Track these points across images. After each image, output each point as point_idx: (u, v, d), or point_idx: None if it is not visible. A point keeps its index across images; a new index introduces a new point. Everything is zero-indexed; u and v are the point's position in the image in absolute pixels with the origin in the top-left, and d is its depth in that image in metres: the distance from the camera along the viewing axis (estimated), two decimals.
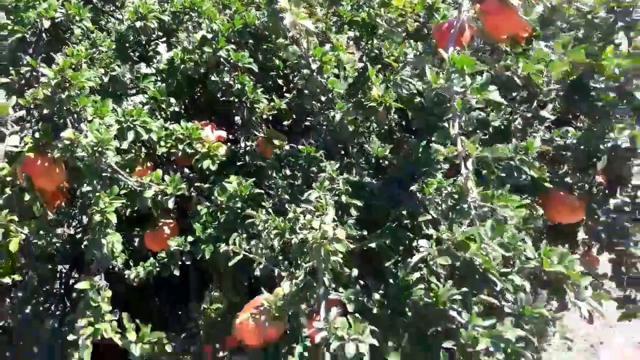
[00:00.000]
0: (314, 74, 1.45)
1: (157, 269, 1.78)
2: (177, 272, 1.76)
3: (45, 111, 1.57)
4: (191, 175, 1.92)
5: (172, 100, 2.09)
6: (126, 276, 1.86)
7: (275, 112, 2.15)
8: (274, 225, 1.30)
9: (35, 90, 1.49)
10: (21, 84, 1.66)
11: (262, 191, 1.68)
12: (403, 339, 1.27)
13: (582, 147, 1.64)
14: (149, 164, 1.88)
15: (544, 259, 1.33)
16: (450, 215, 1.13)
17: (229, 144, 2.08)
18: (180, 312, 1.94)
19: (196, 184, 1.84)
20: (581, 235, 1.81)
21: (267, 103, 1.94)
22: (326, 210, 1.33)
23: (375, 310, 1.25)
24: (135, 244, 2.26)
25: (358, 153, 1.65)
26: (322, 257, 1.12)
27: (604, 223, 1.53)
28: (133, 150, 1.83)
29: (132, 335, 1.57)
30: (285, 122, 2.25)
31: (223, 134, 2.02)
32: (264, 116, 2.02)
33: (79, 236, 2.30)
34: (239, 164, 1.96)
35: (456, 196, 1.14)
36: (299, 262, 1.33)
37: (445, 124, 1.19)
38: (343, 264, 1.36)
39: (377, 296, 1.25)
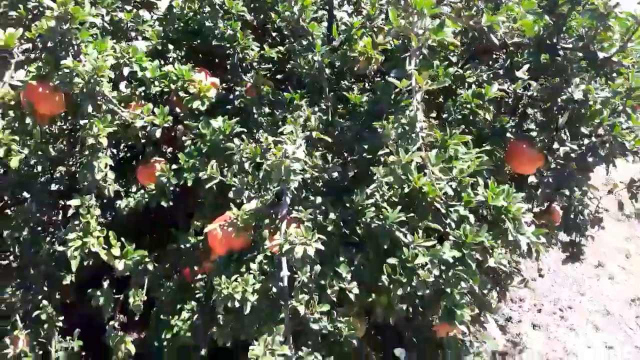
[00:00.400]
0: (295, 16, 1.57)
1: (146, 199, 1.94)
2: (164, 204, 1.92)
3: (49, 44, 1.72)
4: (182, 114, 2.06)
5: (171, 46, 2.25)
6: (117, 205, 2.02)
7: (270, 65, 2.28)
8: (246, 150, 1.44)
9: (40, 23, 1.63)
10: (29, 18, 1.80)
11: (245, 130, 1.82)
12: (355, 255, 1.41)
13: (545, 102, 1.75)
14: (143, 102, 2.02)
15: (489, 193, 1.46)
16: (400, 142, 1.25)
17: (221, 90, 2.21)
18: (167, 243, 2.10)
19: (185, 122, 1.98)
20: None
21: (257, 51, 2.07)
22: (295, 140, 1.46)
23: (330, 228, 1.39)
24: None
25: (334, 97, 1.77)
26: (283, 174, 1.26)
27: (553, 169, 1.64)
28: (129, 89, 1.98)
29: (116, 251, 1.73)
30: (280, 77, 2.38)
31: (216, 80, 2.15)
32: (254, 64, 2.16)
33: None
34: (228, 107, 2.09)
35: (407, 127, 1.27)
36: (267, 185, 1.47)
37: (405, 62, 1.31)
38: (309, 192, 1.51)
39: (332, 216, 1.39)
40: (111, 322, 1.89)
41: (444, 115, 1.62)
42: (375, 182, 1.42)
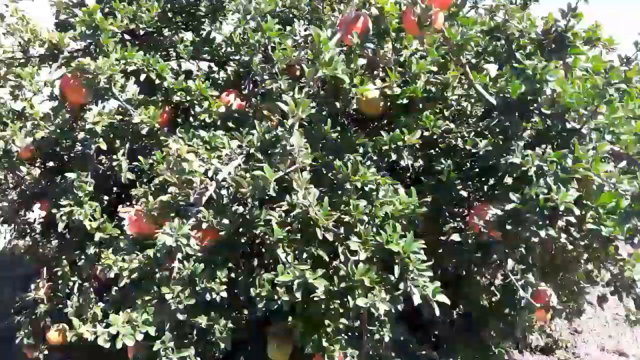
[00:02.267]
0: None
1: None
2: None
3: (90, 47, 2.12)
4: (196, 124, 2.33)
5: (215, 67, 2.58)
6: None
7: None
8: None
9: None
10: None
11: None
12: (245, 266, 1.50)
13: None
14: (167, 109, 2.34)
15: (385, 236, 1.46)
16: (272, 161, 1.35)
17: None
18: None
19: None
20: None
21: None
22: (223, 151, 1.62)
23: (222, 233, 1.50)
24: None
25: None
26: (180, 172, 1.42)
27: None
28: (155, 97, 2.31)
29: (95, 224, 2.02)
30: None
31: (243, 103, 2.41)
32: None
33: None
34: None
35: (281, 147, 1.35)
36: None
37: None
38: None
39: (226, 221, 1.51)
40: (85, 284, 2.18)
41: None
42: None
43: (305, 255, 1.46)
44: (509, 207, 1.46)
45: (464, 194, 1.72)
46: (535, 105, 1.67)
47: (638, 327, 3.50)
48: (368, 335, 1.61)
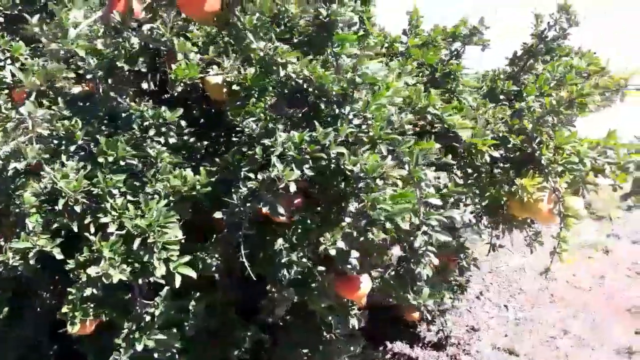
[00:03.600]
0: None
1: None
2: None
3: None
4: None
5: None
6: None
7: None
8: None
9: None
10: None
11: None
12: None
13: None
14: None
15: (134, 211, 1.52)
16: None
17: None
18: None
19: None
20: None
21: None
22: None
23: None
24: None
25: None
26: None
27: None
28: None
29: None
30: None
31: None
32: None
33: None
34: None
35: None
36: None
37: None
38: None
39: None
40: None
41: None
42: None
43: (56, 225, 1.53)
44: (249, 185, 1.51)
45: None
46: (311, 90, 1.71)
47: (536, 328, 3.51)
48: (138, 308, 1.68)
